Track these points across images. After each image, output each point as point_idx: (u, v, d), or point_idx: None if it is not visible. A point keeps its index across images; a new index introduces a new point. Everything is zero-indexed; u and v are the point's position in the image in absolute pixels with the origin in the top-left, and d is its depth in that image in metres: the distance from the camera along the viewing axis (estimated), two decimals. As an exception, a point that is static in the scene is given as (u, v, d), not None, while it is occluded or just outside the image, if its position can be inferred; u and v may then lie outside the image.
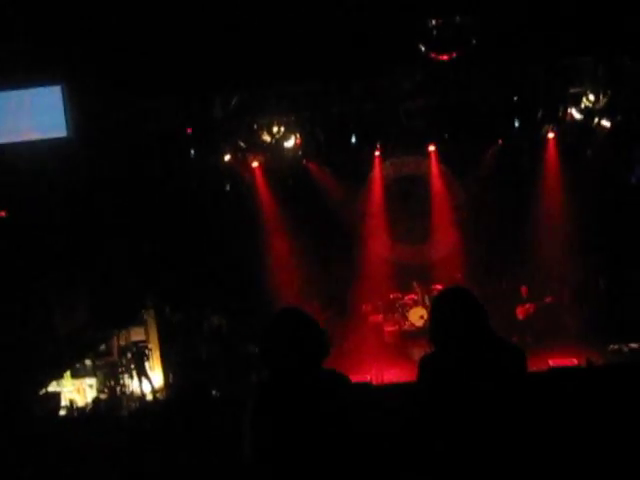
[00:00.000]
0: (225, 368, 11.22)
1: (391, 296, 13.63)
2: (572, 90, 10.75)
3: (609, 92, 10.52)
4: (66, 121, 8.35)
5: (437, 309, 3.95)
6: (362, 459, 3.59)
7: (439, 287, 13.03)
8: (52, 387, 9.91)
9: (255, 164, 13.04)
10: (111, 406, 10.28)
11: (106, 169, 9.95)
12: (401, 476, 4.68)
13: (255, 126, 11.18)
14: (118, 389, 10.77)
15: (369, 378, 9.94)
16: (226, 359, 11.53)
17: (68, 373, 10.49)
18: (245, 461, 3.55)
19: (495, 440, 3.66)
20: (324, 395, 3.57)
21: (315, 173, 13.53)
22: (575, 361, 9.62)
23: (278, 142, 11.36)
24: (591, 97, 10.67)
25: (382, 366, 11.09)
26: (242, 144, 11.63)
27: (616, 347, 10.98)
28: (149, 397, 10.78)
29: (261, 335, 3.65)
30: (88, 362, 10.78)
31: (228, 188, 13.08)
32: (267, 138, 11.26)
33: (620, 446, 5.50)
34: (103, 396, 10.60)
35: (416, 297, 13.42)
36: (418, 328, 12.95)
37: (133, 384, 10.94)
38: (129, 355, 11.07)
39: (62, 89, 8.28)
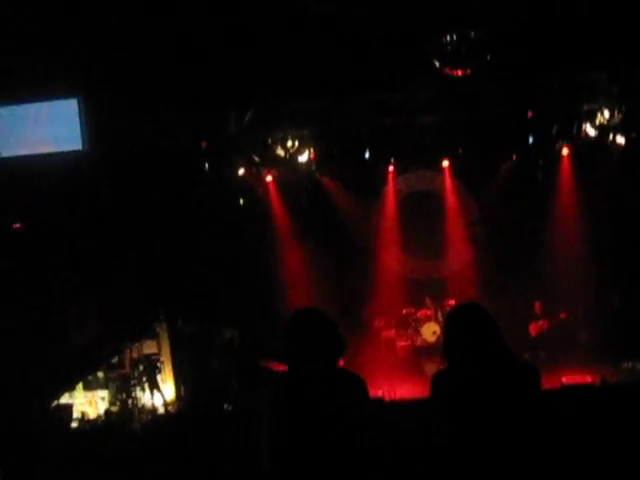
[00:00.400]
0: (237, 381, 11.20)
1: (404, 311, 13.60)
2: (587, 106, 10.75)
3: (624, 108, 10.51)
4: (82, 134, 8.38)
5: (451, 325, 3.93)
6: (374, 462, 3.63)
7: (452, 302, 13.00)
8: (64, 399, 9.92)
9: (269, 178, 13.07)
10: (123, 419, 10.27)
11: (121, 183, 10.00)
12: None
13: (269, 140, 11.24)
14: (130, 402, 10.76)
15: (381, 393, 9.89)
16: (238, 372, 11.51)
17: (80, 385, 10.50)
18: (263, 460, 3.58)
19: (509, 457, 3.63)
20: (341, 392, 3.63)
21: (329, 188, 13.54)
22: (589, 378, 9.55)
23: (292, 156, 11.40)
24: (606, 113, 10.65)
25: (395, 381, 11.03)
26: (256, 158, 11.69)
27: (630, 365, 10.91)
28: (161, 410, 10.76)
29: (282, 332, 3.71)
30: (100, 374, 10.79)
31: (242, 202, 13.11)
32: (281, 152, 11.30)
33: (633, 465, 5.45)
34: (115, 408, 10.59)
35: (429, 312, 13.38)
36: (431, 344, 12.90)
37: (145, 397, 10.93)
38: (141, 368, 11.06)
39: (78, 102, 8.32)
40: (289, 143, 11.22)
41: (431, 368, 11.02)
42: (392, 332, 13.42)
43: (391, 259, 14.10)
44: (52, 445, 7.26)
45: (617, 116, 10.59)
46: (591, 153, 12.22)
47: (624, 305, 12.54)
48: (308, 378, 3.66)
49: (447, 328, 3.96)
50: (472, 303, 4.17)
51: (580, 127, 11.15)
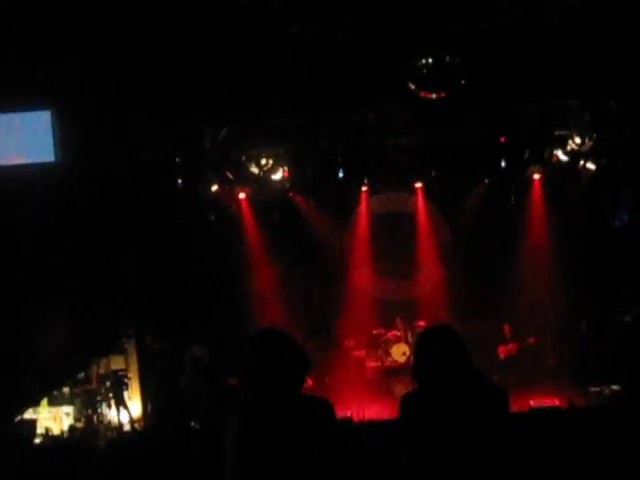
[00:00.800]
0: (205, 399, 11.10)
1: (374, 332, 13.59)
2: (558, 132, 10.90)
3: (594, 135, 10.67)
4: (54, 146, 8.33)
5: (421, 346, 3.93)
6: None
7: (422, 324, 13.03)
8: (28, 414, 9.77)
9: (242, 195, 13.04)
10: (87, 435, 10.12)
11: (93, 196, 9.92)
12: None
13: (243, 158, 11.23)
14: (95, 418, 10.62)
15: (350, 413, 9.85)
16: (207, 390, 11.42)
17: (45, 400, 10.34)
18: None
19: (477, 479, 3.63)
20: (306, 418, 3.56)
21: (302, 206, 13.56)
22: (556, 402, 9.60)
23: (266, 174, 11.40)
24: (577, 140, 10.81)
25: (364, 402, 11.01)
26: (230, 175, 11.67)
27: (597, 389, 10.97)
28: (127, 427, 10.62)
29: (243, 355, 3.65)
30: (66, 390, 10.64)
31: (214, 218, 13.07)
32: (255, 170, 11.30)
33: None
34: (80, 425, 10.44)
35: (399, 333, 13.38)
36: (401, 365, 12.90)
37: (111, 413, 10.79)
38: (108, 384, 10.93)
39: (52, 114, 8.27)
40: (263, 161, 11.22)
41: (400, 389, 11.01)
42: (362, 352, 13.41)
43: (362, 279, 14.11)
44: (14, 461, 7.12)
45: (588, 143, 10.75)
46: (562, 178, 12.39)
47: (592, 330, 12.65)
48: (272, 406, 3.55)
49: (417, 350, 3.95)
50: (442, 325, 4.18)
51: (552, 152, 11.31)
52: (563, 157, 11.30)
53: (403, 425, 3.85)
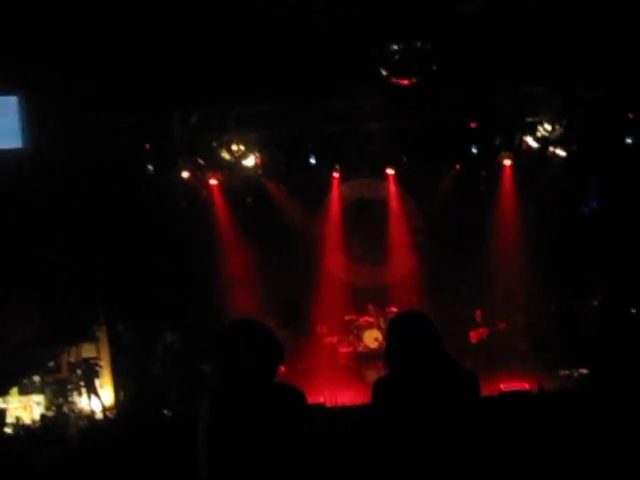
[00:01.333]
0: (177, 386, 11.08)
1: (346, 318, 13.61)
2: (529, 119, 10.96)
3: (564, 122, 10.75)
4: (22, 132, 8.23)
5: (392, 332, 3.95)
6: (314, 473, 3.60)
7: (394, 310, 13.07)
8: (-3, 403, 9.69)
9: (213, 182, 12.96)
10: (59, 424, 10.05)
11: (61, 183, 9.81)
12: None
13: (214, 144, 11.16)
14: (67, 407, 10.54)
15: (323, 400, 9.89)
16: (179, 377, 11.39)
17: (15, 389, 10.25)
18: (201, 470, 3.51)
19: (447, 464, 3.66)
20: (279, 406, 3.58)
21: (274, 192, 13.51)
22: (527, 386, 9.70)
23: (237, 160, 11.33)
24: (547, 126, 10.88)
25: (336, 388, 11.04)
26: (201, 161, 11.59)
27: (567, 372, 11.14)
28: (99, 415, 10.57)
29: (216, 344, 3.65)
30: (36, 378, 10.54)
31: (185, 205, 12.99)
32: (226, 156, 11.23)
33: (568, 468, 5.57)
34: (51, 413, 10.36)
35: (371, 319, 13.43)
36: (373, 350, 12.94)
37: (82, 402, 10.72)
38: (79, 372, 10.85)
39: (19, 100, 8.16)
40: (234, 147, 11.15)
41: (372, 375, 11.06)
42: (334, 338, 13.44)
43: (334, 265, 14.11)
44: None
45: (558, 129, 10.83)
46: (532, 164, 12.48)
47: (561, 314, 12.80)
48: (244, 395, 3.57)
49: (389, 335, 3.97)
50: (414, 311, 4.21)
51: (522, 139, 11.37)
52: (533, 143, 11.37)
53: (375, 410, 3.87)
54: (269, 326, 3.77)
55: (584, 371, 11.07)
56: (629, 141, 10.97)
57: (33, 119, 8.27)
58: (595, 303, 12.34)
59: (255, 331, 3.69)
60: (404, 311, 4.23)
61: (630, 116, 10.48)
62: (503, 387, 9.61)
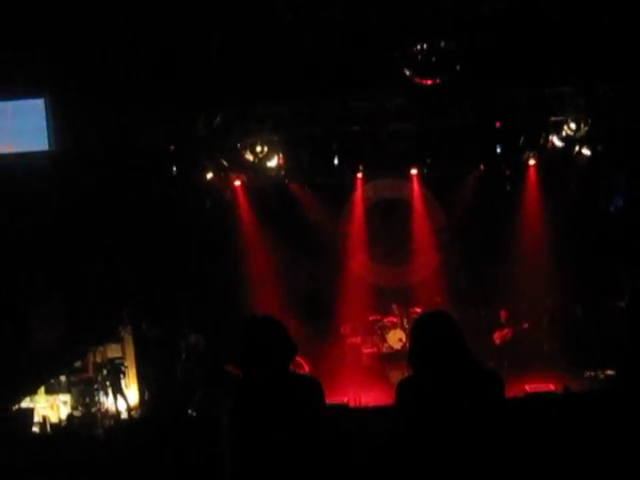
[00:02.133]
0: (202, 387, 11.12)
1: (370, 318, 13.61)
2: (553, 118, 10.88)
3: (590, 121, 10.66)
4: (48, 135, 8.29)
5: (416, 332, 3.94)
6: (335, 466, 3.67)
7: (418, 310, 13.05)
8: (25, 403, 9.77)
9: (237, 183, 13.03)
10: (85, 423, 10.15)
11: (87, 184, 9.89)
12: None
13: (238, 145, 11.20)
14: (93, 406, 10.63)
15: (346, 400, 9.89)
16: (203, 377, 11.44)
17: (42, 389, 10.35)
18: (226, 470, 3.62)
19: (474, 465, 3.65)
20: (294, 396, 3.68)
21: (297, 193, 13.54)
22: (552, 387, 9.65)
23: (261, 161, 11.36)
24: (572, 125, 10.79)
25: (360, 388, 11.04)
26: (225, 162, 11.64)
27: (592, 373, 11.04)
28: (124, 415, 10.64)
29: (238, 341, 3.79)
30: (63, 378, 10.65)
31: (209, 206, 13.04)
32: (250, 157, 11.26)
33: (596, 471, 5.52)
34: (77, 413, 10.46)
35: (395, 320, 13.40)
36: (397, 351, 12.93)
37: (108, 401, 10.81)
38: (105, 372, 10.93)
39: (45, 101, 8.23)
40: (258, 148, 11.18)
41: (396, 375, 11.04)
42: (358, 339, 13.44)
43: (358, 266, 14.12)
44: (12, 449, 7.14)
45: (583, 128, 10.74)
46: (557, 164, 12.39)
47: (587, 315, 12.69)
48: (260, 384, 3.74)
49: (413, 335, 3.96)
50: (438, 311, 4.19)
51: (547, 138, 11.29)
52: (558, 143, 11.28)
53: (399, 411, 3.87)
54: (283, 322, 3.89)
55: (610, 372, 10.96)
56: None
57: (59, 121, 8.32)
58: (622, 304, 12.21)
59: (266, 326, 3.87)
60: (427, 311, 4.22)
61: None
62: (528, 388, 9.57)
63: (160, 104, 9.07)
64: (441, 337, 3.79)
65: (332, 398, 3.68)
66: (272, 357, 3.75)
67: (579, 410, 6.69)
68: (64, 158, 8.68)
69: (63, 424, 10.04)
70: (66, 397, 10.57)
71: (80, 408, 10.58)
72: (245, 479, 3.68)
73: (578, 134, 10.91)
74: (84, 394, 10.71)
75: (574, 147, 11.49)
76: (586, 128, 10.75)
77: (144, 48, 8.04)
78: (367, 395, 10.76)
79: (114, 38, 7.77)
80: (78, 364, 10.89)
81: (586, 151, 11.49)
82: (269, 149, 11.24)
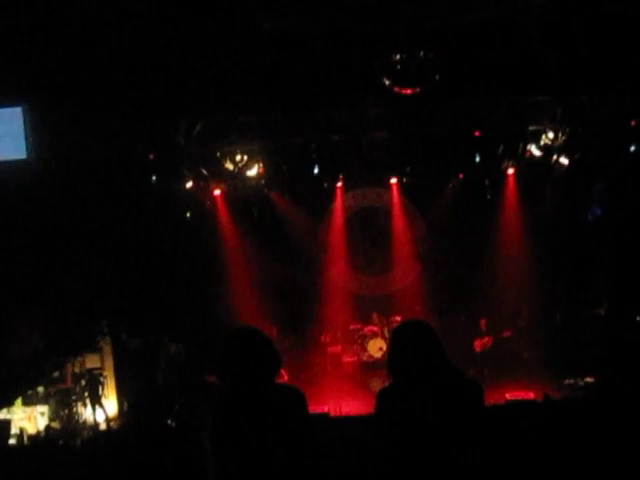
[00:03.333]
0: (181, 397, 11.06)
1: (351, 327, 13.61)
2: (532, 127, 10.96)
3: (567, 130, 10.75)
4: (26, 143, 8.24)
5: (396, 341, 3.95)
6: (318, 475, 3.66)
7: (399, 319, 13.10)
8: (2, 414, 9.68)
9: (217, 192, 12.99)
10: (63, 435, 10.04)
11: (65, 193, 9.83)
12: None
13: (218, 154, 11.18)
14: (71, 417, 10.54)
15: (327, 409, 9.87)
16: (183, 388, 11.37)
17: (19, 400, 10.24)
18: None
19: (453, 472, 3.65)
20: (280, 408, 3.66)
21: (277, 202, 13.52)
22: (532, 395, 9.69)
23: (241, 171, 11.35)
24: (550, 135, 10.89)
25: (340, 397, 11.03)
26: (204, 171, 11.61)
27: (572, 381, 11.09)
28: (103, 426, 10.56)
29: (219, 352, 3.75)
30: (40, 389, 10.55)
31: (189, 215, 13.00)
32: (230, 166, 11.25)
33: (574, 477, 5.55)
34: (55, 424, 10.36)
35: (376, 329, 13.42)
36: (377, 360, 12.95)
37: (86, 412, 10.72)
38: (83, 382, 10.85)
39: (23, 110, 8.17)
40: (238, 157, 11.18)
41: (377, 384, 11.04)
42: (339, 348, 13.42)
43: (339, 275, 14.12)
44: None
45: (561, 137, 10.84)
46: (536, 173, 12.47)
47: (566, 323, 12.77)
48: (245, 397, 3.70)
49: (392, 344, 3.97)
50: (417, 320, 4.20)
51: (525, 147, 11.37)
52: (537, 152, 11.37)
53: (379, 419, 3.87)
54: (268, 335, 3.84)
55: (589, 380, 11.03)
56: (632, 149, 10.97)
57: (37, 130, 8.27)
58: (600, 311, 12.30)
59: (252, 339, 3.81)
60: (407, 320, 4.24)
61: (633, 124, 10.47)
62: (508, 396, 9.60)
63: (139, 112, 9.03)
64: (417, 344, 3.81)
65: (313, 407, 3.69)
66: (256, 370, 3.73)
67: (559, 418, 6.73)
68: (42, 167, 8.62)
69: (41, 436, 9.93)
70: (44, 408, 10.46)
71: (58, 419, 10.48)
72: None
73: (556, 143, 11.02)
74: (62, 405, 10.62)
75: (552, 156, 11.58)
76: (564, 137, 10.84)
77: (124, 57, 8.02)
78: (348, 404, 10.75)
79: (93, 46, 7.73)
80: (56, 374, 10.79)
81: (564, 160, 11.58)
82: (249, 158, 11.24)
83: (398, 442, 3.76)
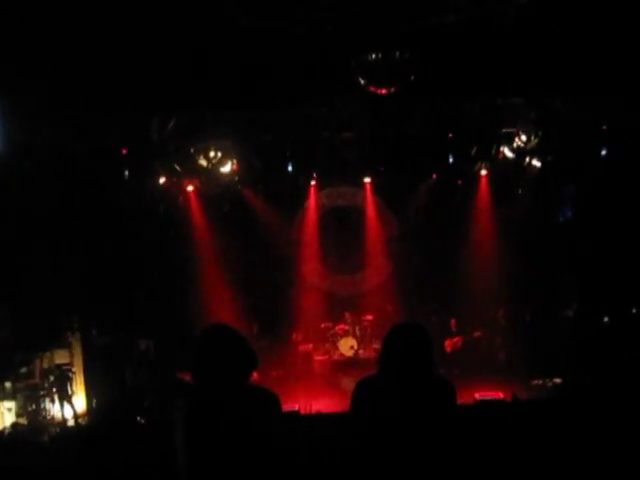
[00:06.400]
0: (151, 394, 10.99)
1: (322, 325, 13.62)
2: (505, 130, 11.05)
3: (540, 133, 10.84)
4: (-2, 136, 8.15)
5: (390, 336, 4.02)
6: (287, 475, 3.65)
7: (370, 317, 13.15)
8: (-32, 410, 9.56)
9: (190, 188, 12.93)
10: (31, 431, 9.93)
11: (36, 187, 9.73)
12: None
13: (192, 150, 11.13)
14: (39, 413, 10.42)
15: (297, 407, 9.86)
16: (152, 384, 11.30)
17: (-15, 396, 10.12)
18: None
19: (424, 467, 3.70)
20: (252, 410, 3.63)
21: (250, 200, 13.49)
22: (501, 395, 9.74)
23: (214, 167, 11.31)
24: (523, 137, 10.99)
25: (311, 395, 11.02)
26: (178, 167, 11.55)
27: (540, 382, 11.18)
28: (71, 422, 10.45)
29: (192, 350, 3.70)
30: (8, 384, 10.41)
31: (162, 211, 12.92)
32: (203, 162, 11.21)
33: (542, 475, 5.61)
34: (22, 420, 10.24)
35: (347, 327, 13.44)
36: (348, 358, 12.97)
37: (55, 408, 10.60)
38: (52, 378, 10.73)
39: (-6, 104, 8.08)
40: (212, 153, 11.14)
41: (347, 382, 11.06)
42: (310, 346, 13.42)
43: (311, 273, 14.13)
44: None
45: (533, 140, 10.93)
46: (508, 174, 12.58)
47: (536, 324, 12.88)
48: (218, 397, 3.67)
49: (386, 339, 4.01)
50: (415, 322, 4.25)
51: (498, 149, 11.46)
52: (509, 154, 11.48)
53: (354, 409, 3.91)
54: (242, 333, 3.80)
55: (558, 380, 11.13)
56: (603, 152, 11.11)
57: (9, 122, 8.17)
58: (570, 313, 12.43)
59: (228, 338, 3.73)
60: (405, 322, 4.29)
61: (604, 128, 10.60)
62: (478, 395, 9.64)
63: (113, 107, 8.95)
64: (409, 341, 3.94)
65: (283, 405, 3.69)
66: (230, 370, 3.67)
67: (527, 417, 6.79)
68: (14, 159, 8.52)
69: (7, 432, 9.81)
70: (11, 404, 10.33)
71: (26, 415, 10.36)
72: None
73: (529, 145, 11.11)
74: (30, 401, 10.49)
75: (525, 158, 11.69)
76: (536, 140, 10.94)
77: (97, 50, 7.93)
78: (318, 402, 10.73)
79: (65, 38, 7.64)
80: (24, 370, 10.65)
81: (536, 162, 11.69)
82: (223, 154, 11.20)
83: (370, 432, 3.81)
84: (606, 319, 11.84)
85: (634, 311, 11.65)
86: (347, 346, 13.18)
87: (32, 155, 9.16)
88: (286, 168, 11.57)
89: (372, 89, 8.65)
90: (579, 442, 5.93)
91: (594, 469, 5.63)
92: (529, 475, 5.61)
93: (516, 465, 5.69)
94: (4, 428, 9.92)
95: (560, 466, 5.67)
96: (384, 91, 8.63)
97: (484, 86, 9.08)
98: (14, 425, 10.00)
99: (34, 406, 10.44)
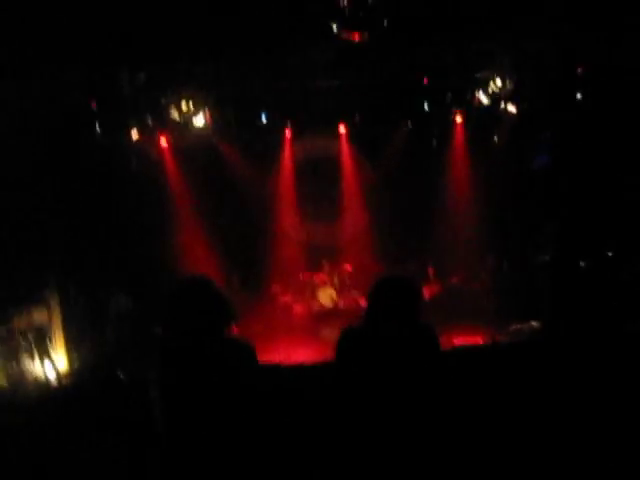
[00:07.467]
0: (132, 350, 10.98)
1: (301, 276, 13.64)
2: (479, 74, 10.97)
3: (515, 78, 10.78)
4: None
5: (379, 286, 4.04)
6: (267, 428, 3.67)
7: (348, 267, 13.16)
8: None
9: (164, 142, 12.76)
10: (12, 392, 9.91)
11: (6, 144, 9.55)
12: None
13: (163, 101, 10.95)
14: (20, 374, 10.39)
15: (278, 360, 9.91)
16: (133, 339, 11.29)
17: (-36, 357, 10.06)
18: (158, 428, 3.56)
19: (409, 413, 3.74)
20: (225, 361, 3.62)
21: (225, 152, 13.34)
22: (480, 340, 9.86)
23: (187, 120, 11.16)
24: (498, 82, 10.91)
25: (291, 347, 11.09)
26: (150, 122, 11.38)
27: (518, 327, 11.31)
28: (53, 382, 10.44)
29: (167, 301, 3.66)
30: (-15, 346, 10.37)
31: (135, 166, 12.75)
32: (176, 116, 11.05)
33: (521, 420, 5.68)
34: (2, 381, 10.21)
35: (325, 277, 13.47)
36: (327, 309, 13.02)
37: (36, 369, 10.58)
38: (30, 338, 10.68)
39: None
40: (184, 106, 10.97)
41: (327, 333, 11.13)
42: (289, 297, 13.45)
43: (288, 224, 14.09)
44: None
45: (509, 85, 10.86)
46: (484, 121, 12.52)
47: (513, 270, 12.98)
48: (193, 351, 3.64)
49: (375, 289, 4.02)
50: (405, 277, 4.25)
51: (473, 95, 11.39)
52: (485, 100, 11.41)
53: (337, 356, 3.93)
54: (220, 286, 3.77)
55: (534, 324, 11.26)
56: (578, 96, 11.07)
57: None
58: (546, 258, 12.52)
59: (204, 290, 3.69)
60: (394, 276, 4.29)
61: (579, 71, 10.54)
62: (456, 342, 9.75)
63: (79, 60, 8.75)
64: (398, 292, 3.98)
65: (263, 357, 3.69)
66: (201, 321, 3.63)
67: (504, 361, 6.86)
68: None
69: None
70: (-10, 365, 10.29)
71: (6, 376, 10.32)
72: (179, 445, 3.61)
73: (504, 91, 11.04)
74: (10, 362, 10.45)
75: (500, 104, 11.62)
76: (511, 85, 10.87)
77: (62, 2, 7.73)
78: (299, 354, 10.81)
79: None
80: (2, 332, 10.59)
81: (512, 108, 11.63)
82: (195, 107, 11.04)
83: (353, 382, 3.84)
84: (582, 263, 11.93)
85: (610, 254, 11.75)
86: (326, 296, 13.22)
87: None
88: (260, 119, 11.44)
89: (345, 35, 8.54)
90: (558, 382, 6.02)
91: (572, 409, 5.73)
92: (511, 416, 5.69)
93: (495, 408, 5.77)
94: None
95: (540, 407, 5.76)
96: (357, 37, 8.52)
97: (458, 31, 8.99)
98: (-6, 386, 9.99)
99: (14, 366, 10.41)
